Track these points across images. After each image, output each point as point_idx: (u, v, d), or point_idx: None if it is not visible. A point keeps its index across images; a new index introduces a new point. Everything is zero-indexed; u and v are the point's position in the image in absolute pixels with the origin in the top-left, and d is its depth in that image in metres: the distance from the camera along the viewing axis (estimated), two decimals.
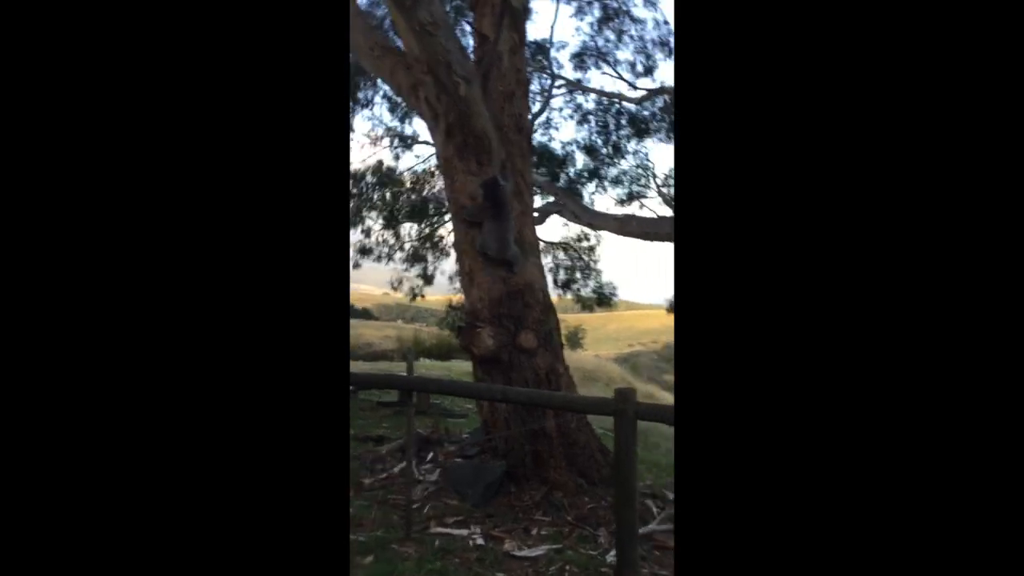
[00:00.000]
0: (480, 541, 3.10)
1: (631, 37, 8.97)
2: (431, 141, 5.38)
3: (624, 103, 9.40)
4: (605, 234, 9.81)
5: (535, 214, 5.10)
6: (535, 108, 9.06)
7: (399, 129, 10.75)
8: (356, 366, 12.96)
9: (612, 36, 9.08)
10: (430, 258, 11.27)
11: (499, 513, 3.49)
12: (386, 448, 4.83)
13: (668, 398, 14.34)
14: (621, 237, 8.26)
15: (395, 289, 12.03)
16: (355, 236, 10.81)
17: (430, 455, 4.34)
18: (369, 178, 10.75)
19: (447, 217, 8.80)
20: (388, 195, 10.87)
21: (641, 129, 9.37)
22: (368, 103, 9.88)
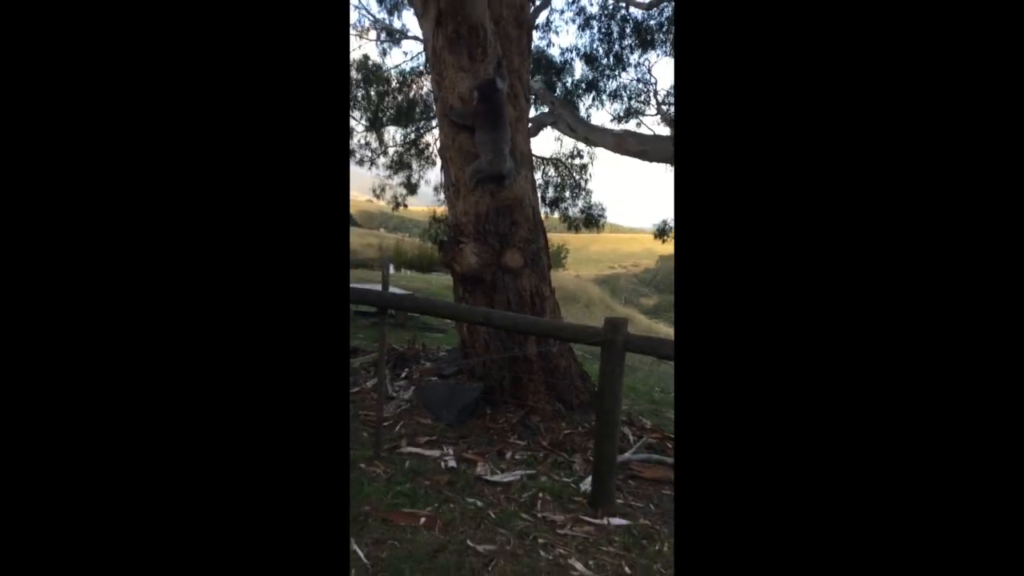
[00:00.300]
0: (452, 463, 3.01)
1: None
2: (420, 37, 4.84)
3: (632, 7, 8.67)
4: (599, 152, 9.39)
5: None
6: (536, 3, 8.35)
7: (387, 22, 9.94)
8: None
9: None
10: (415, 166, 10.79)
11: (473, 435, 3.40)
12: (359, 361, 4.69)
13: (645, 321, 14.48)
14: (615, 156, 7.86)
15: (377, 196, 11.60)
16: None
17: (405, 372, 4.20)
18: (353, 74, 10.02)
19: (435, 123, 8.27)
20: (373, 94, 10.21)
21: (646, 40, 8.72)
22: None
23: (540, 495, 2.78)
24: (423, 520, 2.45)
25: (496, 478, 2.90)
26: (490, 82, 3.35)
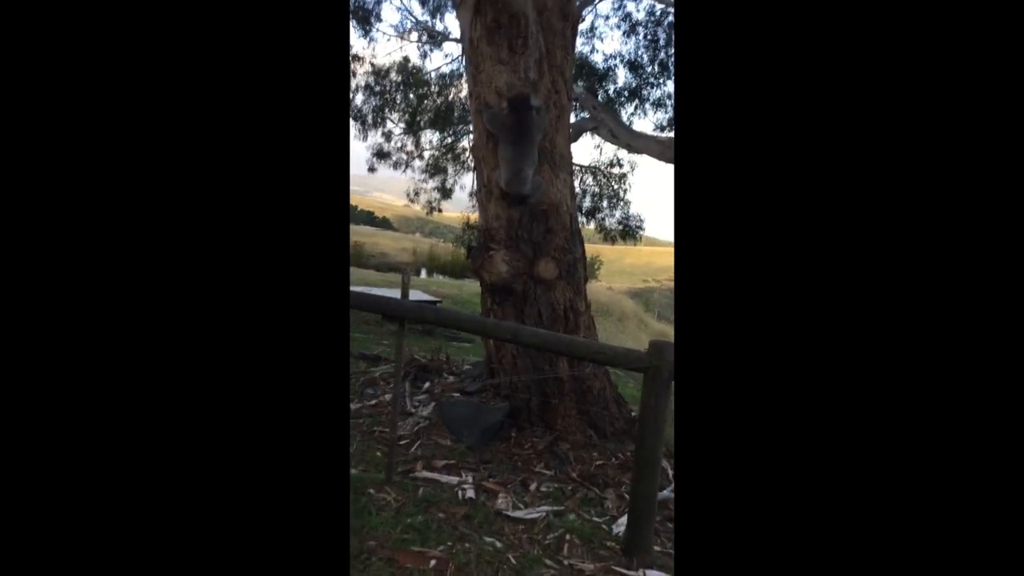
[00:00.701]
0: (470, 493, 2.71)
1: None
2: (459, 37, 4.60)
3: None
4: (638, 160, 9.03)
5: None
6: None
7: (429, 24, 9.81)
8: (367, 275, 12.66)
9: None
10: (450, 170, 10.61)
11: (495, 461, 3.10)
12: (380, 371, 4.44)
13: None
14: (650, 169, 7.50)
15: (412, 200, 11.46)
16: (374, 138, 10.15)
17: (426, 385, 3.93)
18: (393, 76, 9.92)
19: (472, 127, 8.06)
20: (412, 96, 10.09)
21: None
22: None
23: (567, 537, 2.46)
24: (433, 562, 2.16)
25: (519, 514, 2.59)
26: (523, 98, 3.08)
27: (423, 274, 17.88)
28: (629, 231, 9.88)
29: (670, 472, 3.23)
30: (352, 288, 2.76)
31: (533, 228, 3.34)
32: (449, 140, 10.36)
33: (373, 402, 3.73)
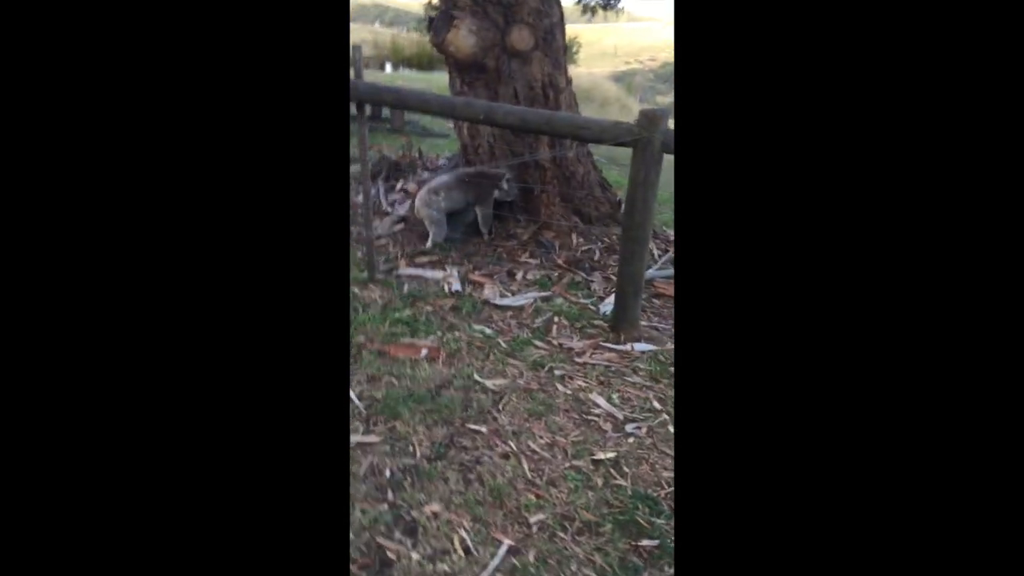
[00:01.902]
0: (456, 286, 2.67)
1: None
2: None
3: None
4: None
5: None
6: None
7: None
8: None
9: None
10: None
11: (479, 254, 3.03)
12: (349, 172, 4.17)
13: None
14: None
15: None
16: None
17: (400, 183, 3.71)
18: None
19: None
20: None
21: None
22: None
23: (556, 319, 2.48)
24: (424, 352, 2.17)
25: (506, 302, 2.58)
26: None
27: (388, 68, 16.42)
28: (609, 3, 8.81)
29: (655, 252, 3.20)
30: None
31: None
32: None
33: None
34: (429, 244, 3.03)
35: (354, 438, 1.69)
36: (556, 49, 3.05)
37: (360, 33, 20.99)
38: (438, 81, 10.74)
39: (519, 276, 2.83)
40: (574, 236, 3.16)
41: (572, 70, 3.67)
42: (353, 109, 2.31)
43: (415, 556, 1.33)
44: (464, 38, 2.89)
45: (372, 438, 1.70)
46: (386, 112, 6.89)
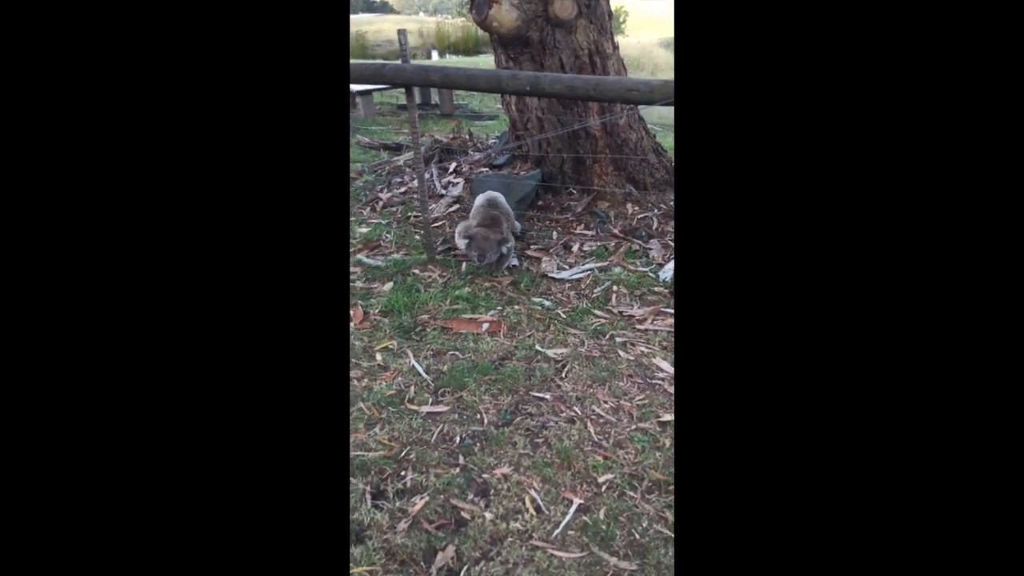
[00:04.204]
0: (513, 262, 2.70)
1: None
2: None
3: None
4: None
5: None
6: None
7: None
8: None
9: None
10: None
11: (534, 229, 3.04)
12: (403, 159, 4.26)
13: None
14: None
15: None
16: None
17: (452, 165, 3.76)
18: None
19: None
20: None
21: None
22: None
23: (615, 288, 2.47)
24: (486, 326, 2.22)
25: (564, 275, 2.59)
26: None
27: (434, 56, 16.52)
28: None
29: None
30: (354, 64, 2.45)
31: None
32: None
33: (403, 189, 3.62)
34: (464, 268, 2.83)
35: (424, 408, 1.75)
36: (600, 15, 2.99)
37: (406, 24, 21.22)
38: (484, 63, 10.74)
39: (575, 248, 2.83)
40: (629, 204, 3.12)
41: (620, 39, 3.59)
42: (402, 95, 2.34)
43: (488, 516, 1.37)
44: (507, 12, 2.87)
45: (441, 407, 1.76)
46: (435, 98, 6.97)
